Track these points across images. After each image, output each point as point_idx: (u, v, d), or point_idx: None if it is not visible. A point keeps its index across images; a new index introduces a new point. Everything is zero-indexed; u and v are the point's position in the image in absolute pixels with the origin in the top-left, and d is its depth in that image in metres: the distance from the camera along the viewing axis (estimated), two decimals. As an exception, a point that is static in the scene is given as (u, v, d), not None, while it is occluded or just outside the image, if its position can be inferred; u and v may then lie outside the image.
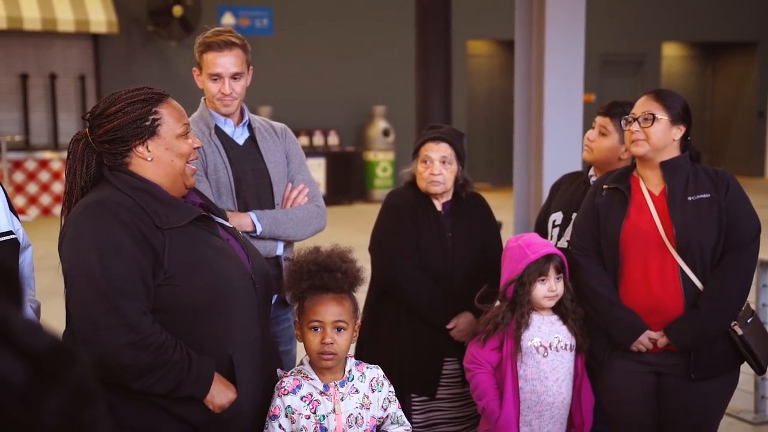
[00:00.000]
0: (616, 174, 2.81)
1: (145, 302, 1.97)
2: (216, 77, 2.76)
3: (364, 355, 3.17)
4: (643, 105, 2.73)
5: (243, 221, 2.73)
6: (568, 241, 3.01)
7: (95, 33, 10.75)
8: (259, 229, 2.76)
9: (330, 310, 2.15)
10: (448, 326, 2.99)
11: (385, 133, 12.40)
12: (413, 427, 3.09)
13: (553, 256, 2.72)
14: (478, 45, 13.88)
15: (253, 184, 2.84)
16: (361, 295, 2.35)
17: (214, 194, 2.75)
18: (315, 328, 2.15)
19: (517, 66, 4.45)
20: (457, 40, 12.29)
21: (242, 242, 2.22)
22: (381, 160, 12.44)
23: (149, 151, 2.08)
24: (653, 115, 2.68)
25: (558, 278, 2.73)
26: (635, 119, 2.71)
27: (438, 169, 2.99)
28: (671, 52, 15.39)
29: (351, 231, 8.12)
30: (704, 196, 2.65)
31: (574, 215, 3.01)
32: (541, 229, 3.21)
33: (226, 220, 2.26)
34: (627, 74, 14.54)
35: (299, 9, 12.26)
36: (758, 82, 15.06)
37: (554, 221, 3.14)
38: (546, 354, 2.70)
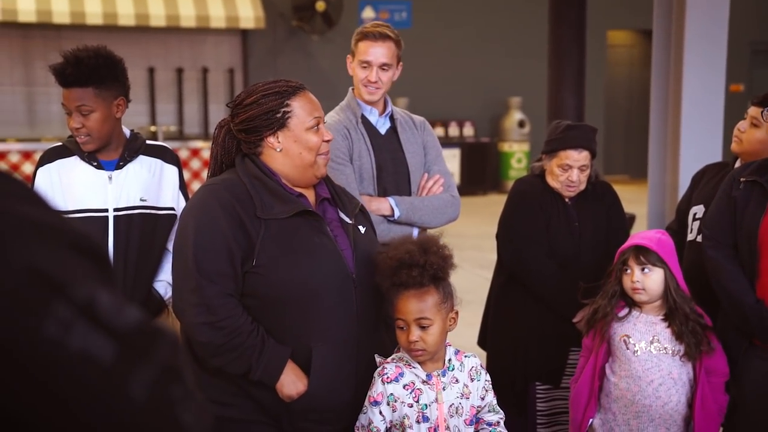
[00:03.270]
0: (755, 166, 2.68)
1: (230, 285, 2.04)
2: (366, 64, 2.90)
3: (488, 340, 3.21)
4: None
5: (382, 205, 2.87)
6: None
7: (244, 28, 11.31)
8: (397, 213, 2.87)
9: (411, 308, 2.12)
10: (575, 320, 2.96)
11: (521, 124, 12.36)
12: (537, 415, 3.10)
13: (642, 248, 2.62)
14: (618, 35, 13.55)
15: (393, 172, 2.96)
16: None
17: (357, 179, 2.89)
18: (401, 327, 2.15)
19: (655, 56, 4.40)
20: (596, 30, 12.06)
21: (355, 240, 2.22)
22: (516, 151, 12.42)
23: (279, 143, 2.15)
24: None
25: (645, 270, 2.61)
26: None
27: (576, 176, 2.99)
28: (830, 39, 14.43)
29: (484, 220, 8.21)
30: None
31: None
32: (682, 220, 3.12)
33: (352, 213, 2.28)
34: (780, 63, 13.77)
35: (437, 2, 12.40)
36: None
37: (695, 214, 3.02)
38: (637, 353, 2.62)
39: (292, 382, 2.07)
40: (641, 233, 2.73)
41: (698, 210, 3.00)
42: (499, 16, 12.48)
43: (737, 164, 2.98)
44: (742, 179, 2.67)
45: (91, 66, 2.54)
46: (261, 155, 2.18)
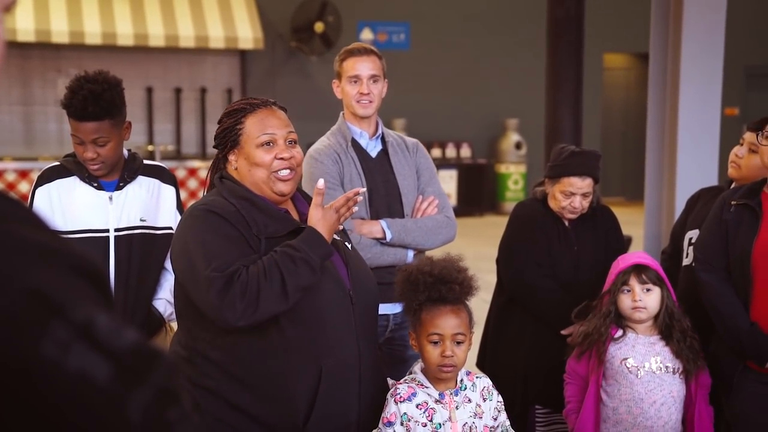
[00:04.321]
0: (745, 189, 2.72)
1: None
2: (355, 79, 2.94)
3: (487, 363, 3.18)
4: None
5: (374, 228, 2.87)
6: None
7: (243, 49, 11.37)
8: (388, 235, 2.87)
9: (449, 323, 2.15)
10: (564, 332, 2.97)
11: (518, 146, 12.40)
12: None
13: (642, 266, 2.64)
14: (615, 58, 13.64)
15: (384, 194, 2.96)
16: (476, 303, 2.34)
17: None
18: (434, 342, 2.16)
19: (651, 79, 4.43)
20: (593, 53, 12.14)
21: (346, 257, 2.22)
22: (513, 172, 12.45)
23: (235, 161, 2.18)
24: None
25: (647, 290, 2.63)
26: None
27: (579, 203, 3.00)
28: (825, 63, 14.54)
29: (481, 242, 8.21)
30: None
31: None
32: (676, 245, 3.13)
33: (338, 231, 2.25)
34: (775, 87, 13.85)
35: (436, 24, 12.49)
36: None
37: (690, 239, 3.03)
38: (639, 375, 2.61)
39: (326, 213, 2.08)
40: (633, 254, 2.75)
41: (693, 234, 3.00)
42: (497, 38, 12.56)
43: (733, 186, 2.99)
44: (732, 202, 2.69)
45: (108, 99, 2.56)
46: (230, 174, 2.21)
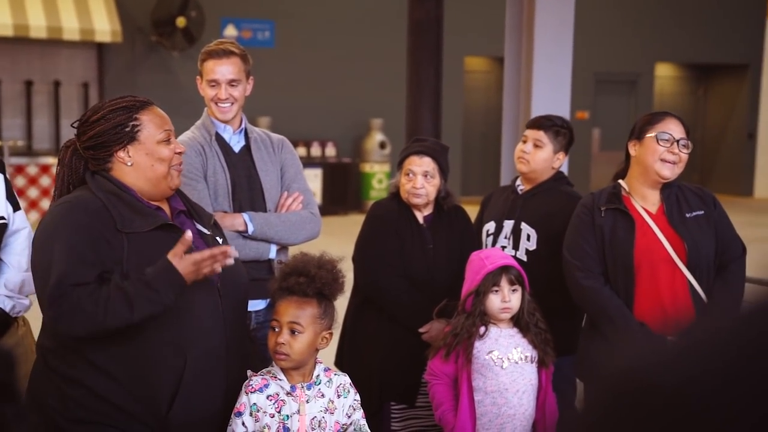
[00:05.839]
0: (607, 194, 2.84)
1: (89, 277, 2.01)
2: (214, 83, 2.92)
3: (344, 361, 3.20)
4: (679, 129, 2.76)
5: (236, 221, 2.86)
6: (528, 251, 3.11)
7: (100, 42, 10.94)
8: (250, 228, 2.86)
9: (288, 312, 2.20)
10: (421, 329, 3.02)
11: (382, 145, 12.59)
12: None
13: (510, 268, 2.72)
14: (476, 61, 14.10)
15: (248, 189, 2.96)
16: (342, 302, 2.38)
17: (211, 196, 2.88)
18: (273, 328, 2.23)
19: (506, 82, 4.64)
20: (454, 55, 12.51)
21: None
22: (377, 171, 12.63)
23: (130, 156, 2.17)
24: (687, 141, 2.75)
25: (513, 290, 2.72)
26: (676, 141, 2.73)
27: (420, 182, 3.05)
28: (664, 72, 15.62)
29: (346, 240, 8.27)
30: (699, 213, 2.73)
31: (505, 222, 3.16)
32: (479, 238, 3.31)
33: (208, 225, 2.33)
34: (621, 93, 14.75)
35: (301, 23, 12.48)
36: (748, 104, 15.29)
37: (488, 230, 3.25)
38: (504, 366, 2.69)
39: (180, 259, 2.03)
40: (493, 253, 2.82)
41: (490, 226, 3.25)
42: (362, 39, 12.70)
43: (518, 182, 3.26)
44: (603, 208, 2.80)
45: None
46: (111, 171, 2.19)
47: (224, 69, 2.91)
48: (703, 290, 2.69)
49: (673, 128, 2.76)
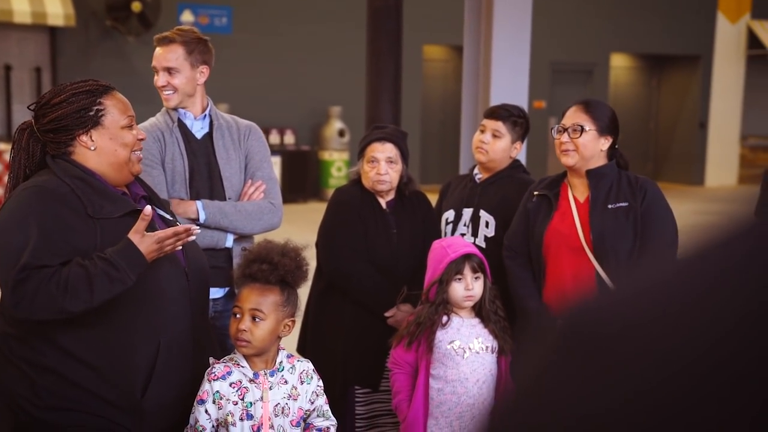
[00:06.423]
0: (548, 180, 2.95)
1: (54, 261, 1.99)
2: (155, 70, 2.93)
3: (308, 347, 3.21)
4: (572, 116, 2.83)
5: (189, 208, 2.84)
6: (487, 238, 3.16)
7: (52, 26, 10.72)
8: (202, 217, 2.84)
9: (250, 299, 2.21)
10: (387, 314, 3.05)
11: (341, 133, 12.57)
12: (356, 418, 3.14)
13: (472, 255, 2.74)
14: (434, 50, 14.14)
15: (207, 177, 2.94)
16: (305, 288, 2.38)
17: (168, 183, 2.86)
18: (235, 314, 2.23)
19: (465, 71, 4.68)
20: (413, 44, 12.52)
21: None
22: (336, 159, 12.61)
23: (93, 141, 2.15)
24: (582, 126, 2.79)
25: (476, 278, 2.73)
26: (565, 130, 2.82)
27: (384, 168, 3.08)
28: (619, 62, 15.85)
29: (305, 228, 8.27)
30: (623, 204, 2.77)
31: (464, 210, 3.22)
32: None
33: (168, 211, 2.35)
34: (577, 82, 14.93)
35: (259, 9, 12.37)
36: (700, 94, 15.60)
37: (447, 219, 3.29)
38: (465, 356, 2.72)
39: (142, 237, 2.01)
40: (455, 242, 2.85)
41: (449, 215, 3.29)
42: (321, 27, 12.64)
43: (476, 171, 3.31)
44: (535, 193, 2.93)
45: None
46: (72, 155, 2.16)
47: (163, 56, 2.90)
48: (612, 280, 2.74)
49: (568, 117, 2.85)
